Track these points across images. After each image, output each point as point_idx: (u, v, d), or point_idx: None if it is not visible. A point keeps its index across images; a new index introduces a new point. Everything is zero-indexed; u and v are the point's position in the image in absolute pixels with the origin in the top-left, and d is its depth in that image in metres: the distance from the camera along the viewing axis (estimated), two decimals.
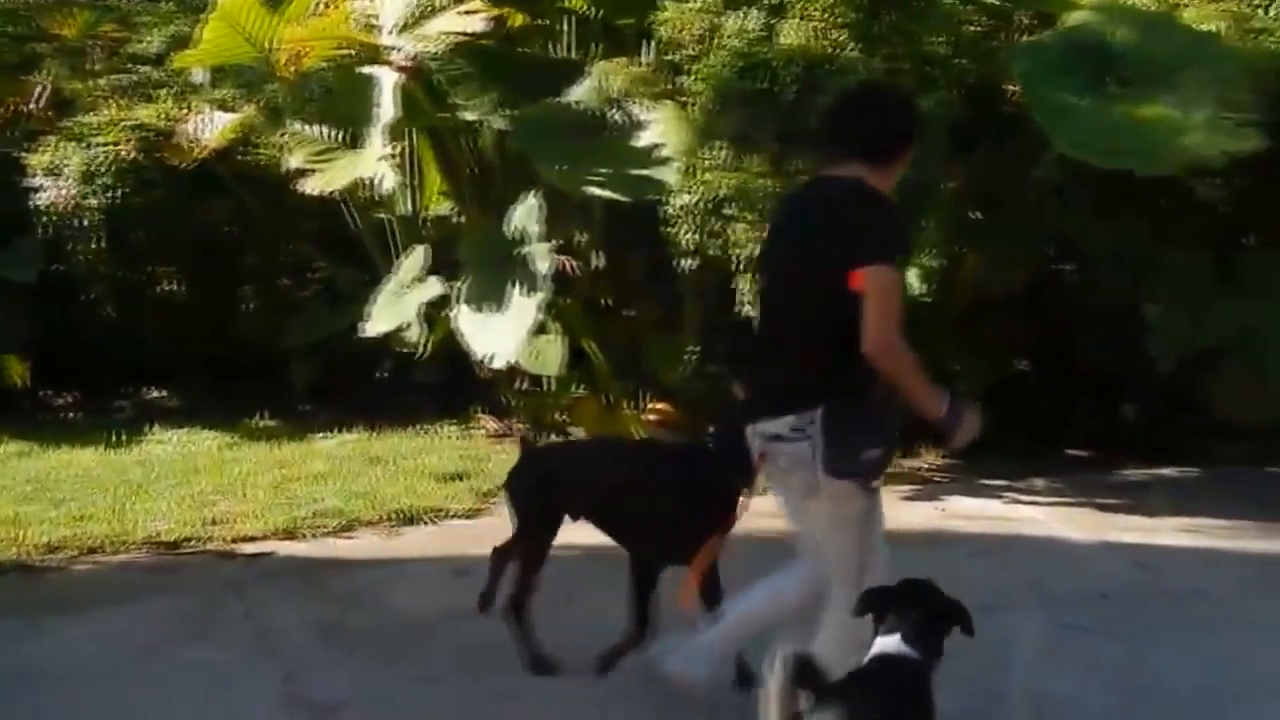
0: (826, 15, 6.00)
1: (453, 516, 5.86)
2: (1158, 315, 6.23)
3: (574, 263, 7.36)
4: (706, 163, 5.93)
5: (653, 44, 6.97)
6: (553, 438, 7.28)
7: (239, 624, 4.57)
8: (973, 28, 6.68)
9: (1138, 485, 6.46)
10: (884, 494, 5.57)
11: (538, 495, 3.99)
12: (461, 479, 6.39)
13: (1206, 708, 3.82)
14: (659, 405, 7.36)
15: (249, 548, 5.44)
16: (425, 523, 5.79)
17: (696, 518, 3.61)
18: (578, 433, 7.34)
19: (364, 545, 5.51)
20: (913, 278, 6.25)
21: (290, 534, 5.59)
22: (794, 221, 3.27)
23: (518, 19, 7.58)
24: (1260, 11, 6.51)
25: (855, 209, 3.08)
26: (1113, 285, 6.55)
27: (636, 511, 3.89)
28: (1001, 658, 3.94)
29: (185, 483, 6.47)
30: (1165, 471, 6.72)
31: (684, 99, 6.35)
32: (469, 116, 7.08)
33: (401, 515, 5.79)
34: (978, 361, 6.98)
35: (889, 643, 2.84)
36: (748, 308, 5.90)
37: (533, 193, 6.52)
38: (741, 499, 3.35)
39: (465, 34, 6.83)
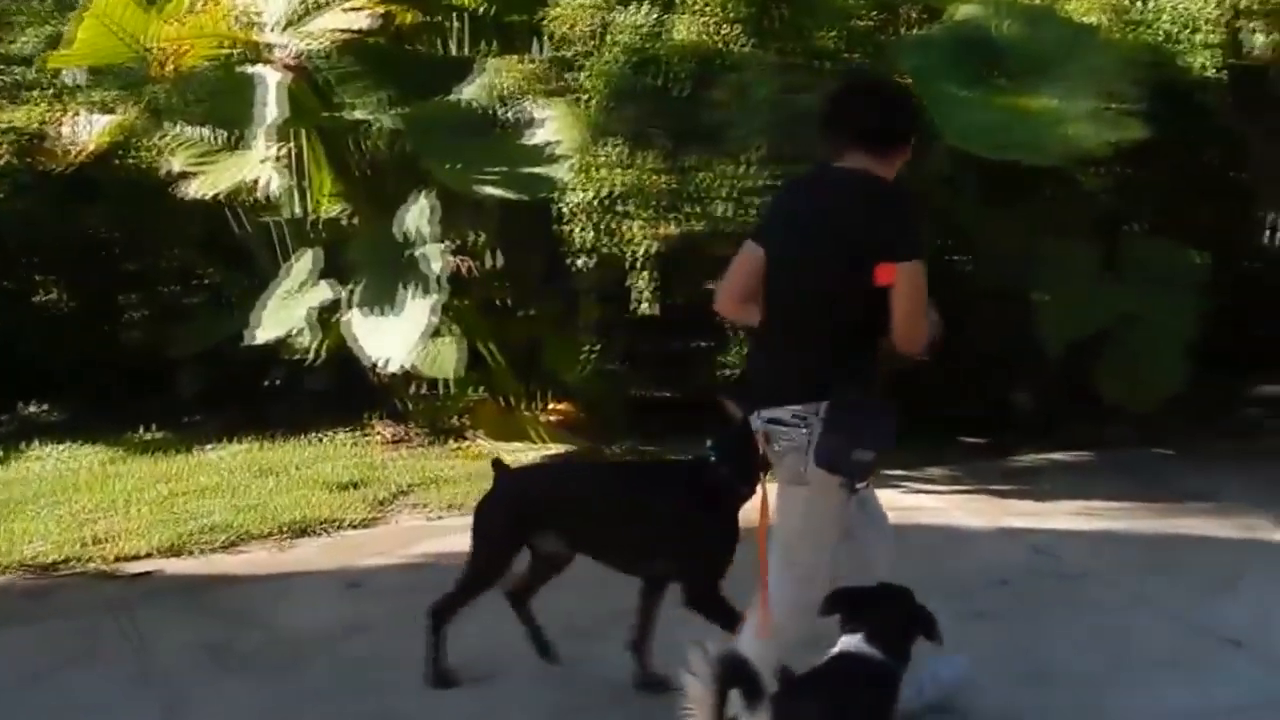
0: (718, 10, 5.97)
1: (347, 527, 5.69)
2: (1045, 302, 6.33)
3: (470, 263, 7.23)
4: (601, 160, 5.86)
5: (545, 40, 6.91)
6: (451, 443, 7.17)
7: (121, 647, 4.38)
8: (863, 22, 6.74)
9: (1032, 470, 6.56)
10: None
11: (514, 523, 3.79)
12: (356, 487, 6.22)
13: (1103, 688, 3.89)
14: (559, 406, 7.29)
15: (132, 567, 5.22)
16: (318, 534, 5.61)
17: (704, 534, 3.60)
18: (478, 436, 7.22)
19: (254, 560, 5.32)
20: None
21: (176, 551, 5.37)
22: (808, 211, 3.21)
23: (407, 16, 7.43)
24: (1138, 5, 6.67)
25: (879, 203, 3.10)
26: (1001, 273, 6.63)
27: (637, 534, 3.74)
28: None
29: (65, 501, 6.18)
30: (1058, 456, 6.83)
31: (577, 96, 6.28)
32: (358, 115, 6.91)
33: (293, 527, 5.61)
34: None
35: (851, 641, 2.85)
36: (645, 306, 5.86)
37: (424, 193, 6.38)
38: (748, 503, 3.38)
39: (352, 31, 6.66)
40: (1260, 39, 6.35)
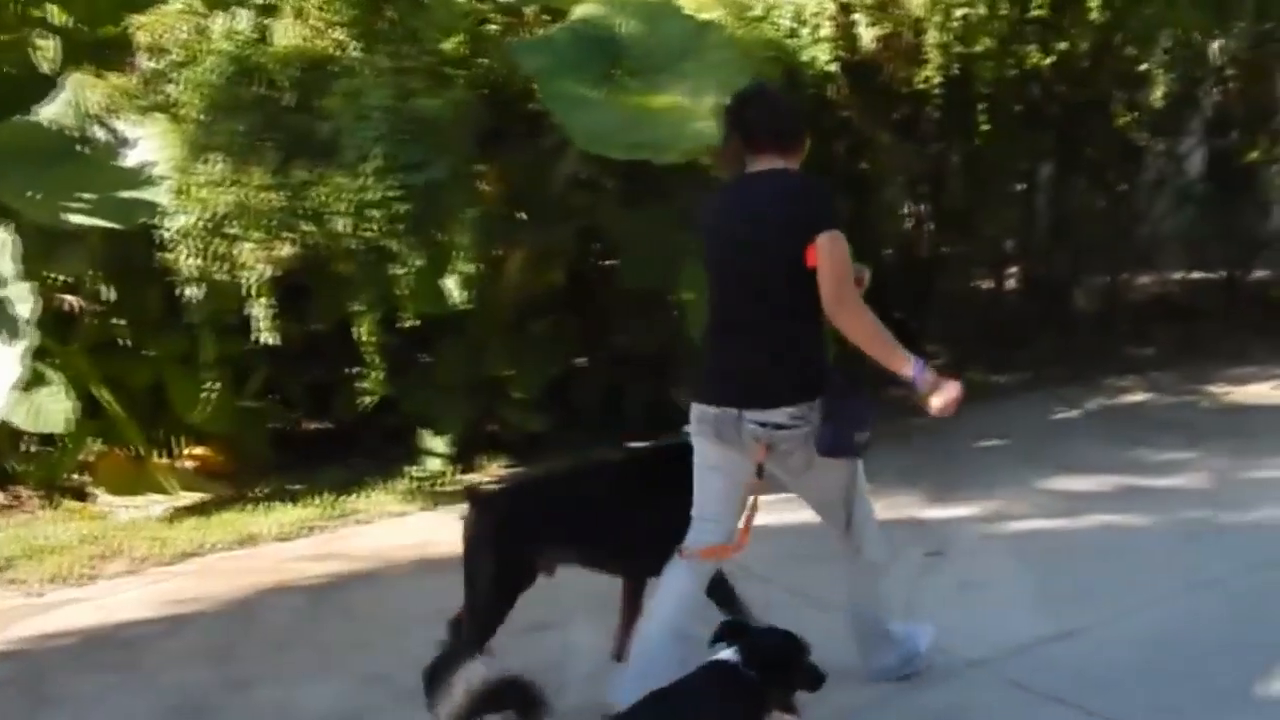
0: (323, 13, 5.56)
1: None
2: (690, 301, 6.27)
3: (79, 301, 6.47)
4: (202, 179, 5.31)
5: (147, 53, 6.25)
6: (70, 503, 6.37)
7: None
8: (492, 26, 6.53)
9: None
10: (441, 516, 5.42)
11: (513, 545, 3.58)
12: None
13: None
14: (195, 450, 6.66)
15: None
16: None
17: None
18: (100, 492, 6.44)
19: None
20: (452, 285, 5.97)
21: None
22: (746, 218, 3.42)
23: None
24: (760, 1, 6.77)
25: (800, 193, 3.39)
26: (648, 274, 6.57)
27: (648, 528, 3.70)
28: (558, 678, 3.71)
29: None
30: None
31: (175, 111, 5.69)
32: None
33: None
34: (530, 362, 6.83)
35: (724, 652, 3.00)
36: (264, 335, 5.37)
37: (2, 227, 5.60)
38: None
39: None
40: (868, 33, 6.57)
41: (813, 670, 3.13)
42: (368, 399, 5.71)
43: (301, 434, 7.46)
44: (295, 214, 5.16)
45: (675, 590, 3.57)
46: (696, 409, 3.50)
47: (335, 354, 6.70)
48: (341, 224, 5.13)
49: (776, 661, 3.04)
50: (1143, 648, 4.09)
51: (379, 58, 5.42)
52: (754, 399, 3.36)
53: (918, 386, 3.34)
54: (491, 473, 6.69)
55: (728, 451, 3.47)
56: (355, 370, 6.49)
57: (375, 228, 5.09)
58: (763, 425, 3.35)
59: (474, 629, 3.56)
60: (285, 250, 5.17)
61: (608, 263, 7.41)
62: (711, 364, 3.55)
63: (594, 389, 7.27)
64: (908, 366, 3.33)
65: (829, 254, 3.27)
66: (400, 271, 5.28)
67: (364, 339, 5.47)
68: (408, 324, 5.54)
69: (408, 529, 5.70)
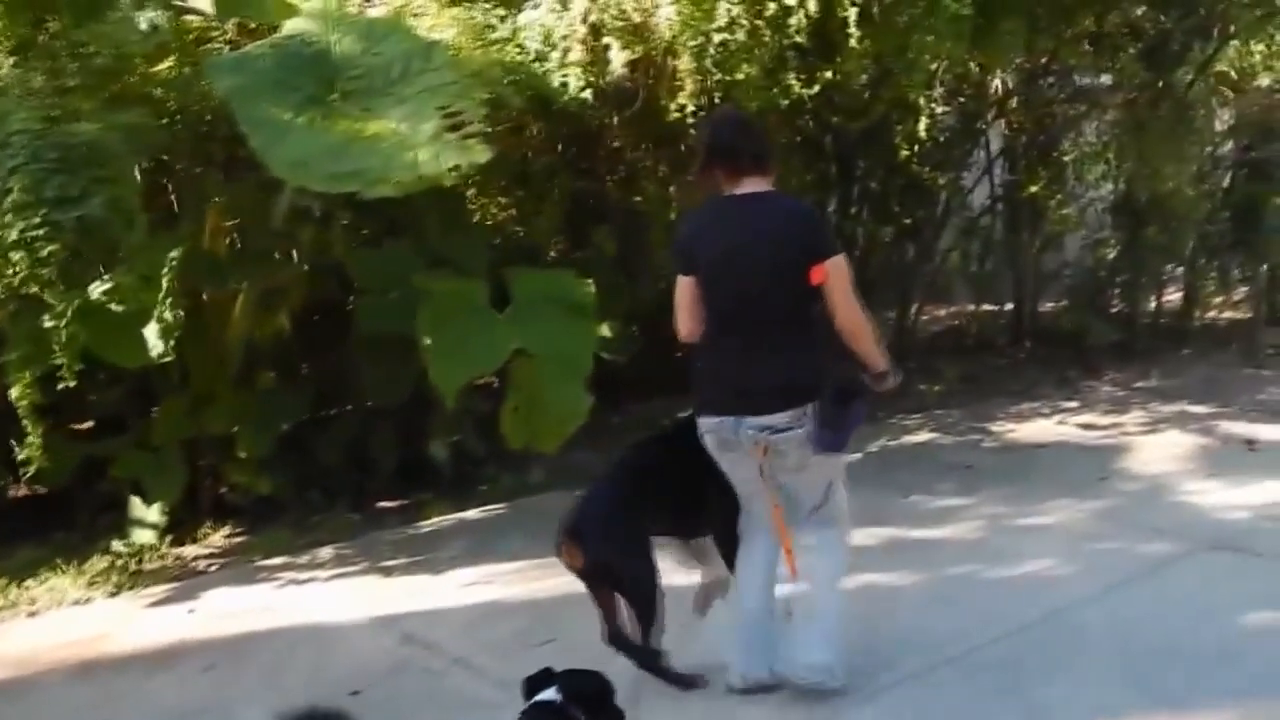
0: None
1: None
2: (434, 346, 5.66)
3: None
4: None
5: None
6: None
7: None
8: (214, 45, 5.87)
9: (433, 536, 5.87)
10: (129, 603, 5.04)
11: (631, 531, 3.82)
12: None
13: None
14: None
15: None
16: None
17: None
18: None
19: None
20: (152, 335, 5.25)
21: None
22: (745, 237, 3.61)
23: None
24: (505, 22, 6.24)
25: (800, 216, 3.72)
26: (388, 316, 5.96)
27: (701, 494, 3.93)
28: None
29: None
30: (469, 514, 6.23)
31: None
32: None
33: None
34: (259, 417, 6.13)
35: (548, 694, 2.99)
36: None
37: None
38: None
39: None
40: (619, 56, 6.09)
41: (618, 709, 3.14)
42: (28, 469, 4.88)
43: (8, 503, 6.58)
44: None
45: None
46: (700, 422, 3.74)
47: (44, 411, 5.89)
48: None
49: (596, 699, 3.08)
50: None
51: (33, 76, 4.67)
52: (753, 406, 3.60)
53: (885, 379, 3.70)
54: (212, 543, 5.96)
55: (732, 454, 3.73)
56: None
57: (15, 272, 4.33)
58: (761, 429, 3.59)
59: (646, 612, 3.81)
60: None
61: (349, 305, 6.76)
62: (709, 376, 3.75)
63: (337, 443, 6.59)
64: (883, 363, 3.69)
65: (839, 275, 3.58)
66: (52, 324, 4.50)
67: (19, 400, 4.67)
68: (62, 385, 4.74)
69: (83, 621, 4.91)
